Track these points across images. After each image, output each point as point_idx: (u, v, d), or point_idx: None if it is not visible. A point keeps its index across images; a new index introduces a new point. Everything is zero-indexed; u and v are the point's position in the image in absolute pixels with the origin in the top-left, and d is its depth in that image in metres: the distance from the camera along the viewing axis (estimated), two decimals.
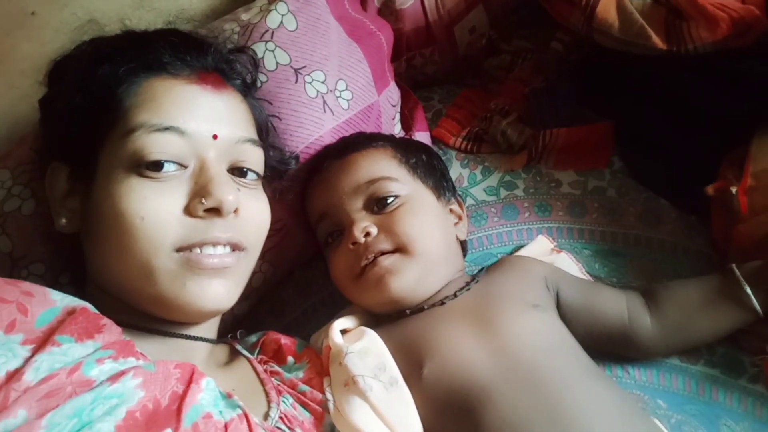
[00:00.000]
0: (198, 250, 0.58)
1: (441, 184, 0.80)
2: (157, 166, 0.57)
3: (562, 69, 1.03)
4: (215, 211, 0.58)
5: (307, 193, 0.81)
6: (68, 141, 0.61)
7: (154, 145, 0.57)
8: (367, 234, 0.71)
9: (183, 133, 0.58)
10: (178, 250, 0.57)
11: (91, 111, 0.59)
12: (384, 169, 0.75)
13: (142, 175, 0.57)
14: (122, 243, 0.56)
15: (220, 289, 0.59)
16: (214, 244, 0.59)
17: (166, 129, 0.57)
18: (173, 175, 0.58)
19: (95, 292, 0.61)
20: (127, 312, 0.59)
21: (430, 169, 0.80)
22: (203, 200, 0.57)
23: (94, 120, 0.59)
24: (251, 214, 0.63)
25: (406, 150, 0.79)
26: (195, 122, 0.59)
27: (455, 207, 0.81)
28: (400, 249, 0.70)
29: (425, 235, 0.71)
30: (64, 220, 0.62)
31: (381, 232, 0.71)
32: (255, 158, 0.65)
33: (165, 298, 0.57)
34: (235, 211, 0.60)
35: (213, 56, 0.66)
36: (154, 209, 0.56)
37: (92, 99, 0.59)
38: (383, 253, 0.70)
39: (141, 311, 0.60)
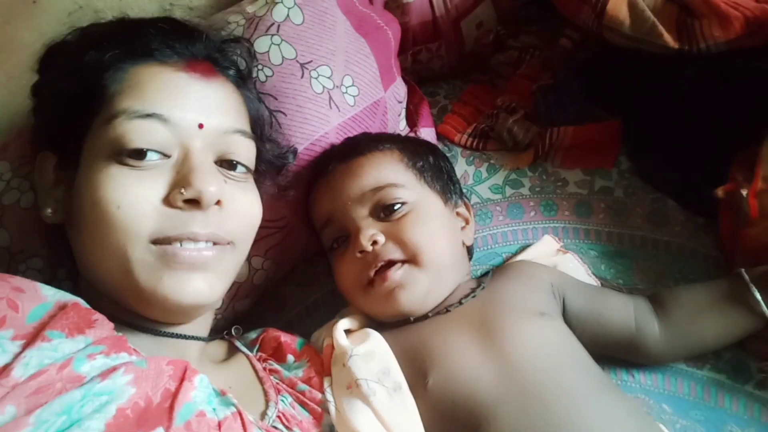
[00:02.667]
0: (178, 244, 0.55)
1: (448, 187, 0.78)
2: (139, 154, 0.55)
3: (570, 66, 1.01)
4: (195, 203, 0.56)
5: (312, 196, 0.79)
6: (55, 128, 0.60)
7: (136, 132, 0.55)
8: (375, 242, 0.69)
9: (166, 120, 0.56)
10: (155, 242, 0.55)
11: (76, 98, 0.58)
12: (390, 175, 0.73)
13: (122, 164, 0.55)
14: (99, 233, 0.54)
15: (200, 283, 0.56)
16: (194, 240, 0.56)
17: (149, 116, 0.56)
18: (155, 165, 0.56)
19: (83, 286, 0.60)
20: (115, 308, 0.57)
21: (437, 171, 0.78)
22: (183, 190, 0.55)
23: (79, 107, 0.57)
24: (237, 208, 0.60)
25: (412, 152, 0.77)
26: (180, 110, 0.57)
27: (462, 210, 0.80)
28: (409, 259, 0.69)
29: (433, 243, 0.70)
30: (49, 210, 0.60)
31: (388, 240, 0.69)
32: (245, 151, 0.63)
33: (143, 291, 0.55)
34: (218, 203, 0.57)
35: (204, 44, 0.64)
36: (131, 198, 0.54)
37: (78, 86, 0.58)
38: (393, 262, 0.69)
39: (128, 308, 0.58)
